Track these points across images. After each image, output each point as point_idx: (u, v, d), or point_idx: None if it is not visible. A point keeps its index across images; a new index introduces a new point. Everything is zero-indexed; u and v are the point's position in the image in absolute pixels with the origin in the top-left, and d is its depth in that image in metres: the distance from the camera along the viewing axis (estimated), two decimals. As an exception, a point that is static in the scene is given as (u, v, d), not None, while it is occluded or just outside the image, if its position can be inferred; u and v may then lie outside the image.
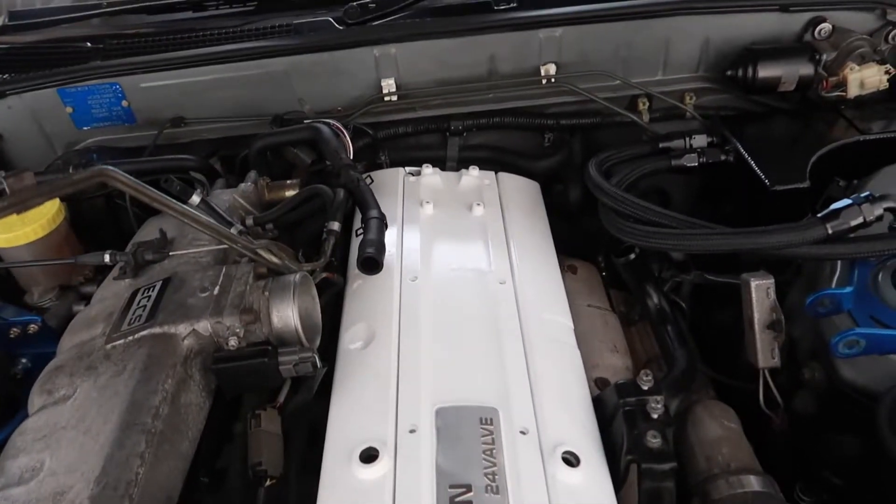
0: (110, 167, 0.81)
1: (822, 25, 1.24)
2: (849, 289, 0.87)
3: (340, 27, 1.31)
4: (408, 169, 1.30)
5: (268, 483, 0.82)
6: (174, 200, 0.87)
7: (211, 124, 1.36)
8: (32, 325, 1.06)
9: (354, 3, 1.31)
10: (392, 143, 1.38)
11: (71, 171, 1.23)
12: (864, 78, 1.20)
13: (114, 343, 0.89)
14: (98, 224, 1.30)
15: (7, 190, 0.76)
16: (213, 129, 1.36)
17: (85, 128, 1.37)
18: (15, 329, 1.06)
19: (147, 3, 1.44)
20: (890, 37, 1.25)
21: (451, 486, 0.77)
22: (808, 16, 1.25)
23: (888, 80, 1.20)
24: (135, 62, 1.31)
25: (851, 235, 0.89)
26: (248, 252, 0.91)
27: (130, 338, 0.88)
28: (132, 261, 0.99)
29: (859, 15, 1.26)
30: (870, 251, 0.88)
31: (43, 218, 1.12)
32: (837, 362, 0.88)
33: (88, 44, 1.39)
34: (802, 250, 0.91)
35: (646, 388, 0.87)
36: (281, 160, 1.29)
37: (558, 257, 1.21)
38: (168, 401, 0.82)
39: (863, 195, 0.89)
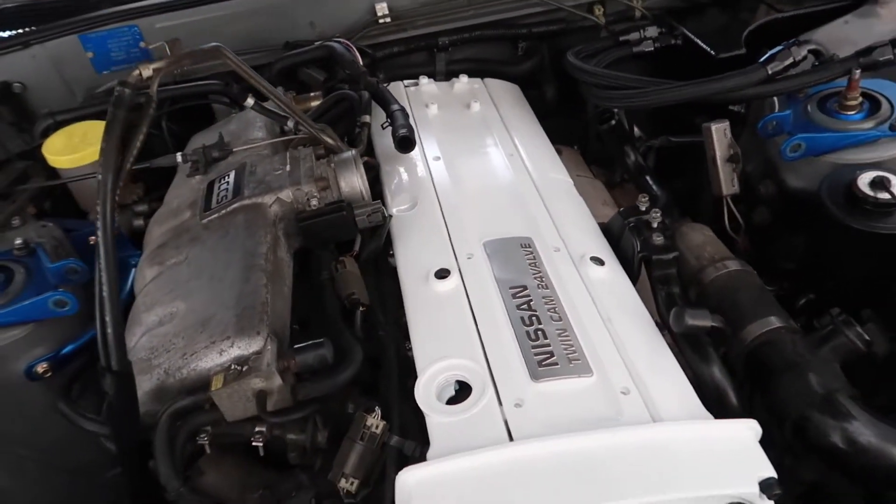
0: (223, 46, 0.97)
1: (739, -73, 1.51)
2: (788, 112, 1.13)
3: (335, -41, 1.48)
4: (406, 82, 1.49)
5: (361, 308, 1.01)
6: (270, 86, 1.04)
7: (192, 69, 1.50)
8: (108, 232, 1.20)
9: (344, -63, 1.48)
10: (387, 63, 1.57)
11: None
12: (777, -33, 1.47)
13: (209, 218, 1.06)
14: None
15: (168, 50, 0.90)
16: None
17: (104, 72, 1.49)
18: (92, 237, 1.20)
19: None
20: (793, -69, 1.52)
21: (511, 288, 0.98)
22: (727, -81, 1.52)
23: (796, -31, 1.48)
24: (152, 4, 1.44)
25: (786, 75, 1.15)
26: (315, 132, 1.09)
27: (224, 211, 1.05)
28: (202, 158, 1.14)
29: (767, -86, 1.52)
30: (801, 84, 1.14)
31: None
32: (785, 173, 1.14)
33: (97, -6, 1.51)
34: (750, 91, 1.16)
35: (643, 208, 1.11)
36: (296, 81, 1.45)
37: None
38: (272, 250, 0.99)
39: (790, 41, 1.14)
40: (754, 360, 0.98)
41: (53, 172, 1.27)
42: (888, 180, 0.99)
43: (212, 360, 0.87)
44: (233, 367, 0.85)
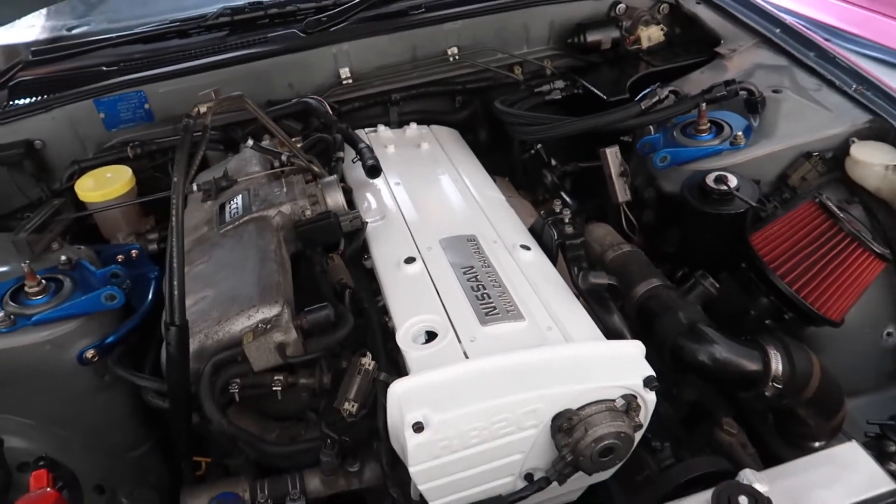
0: (244, 95, 1.29)
1: (620, 5, 1.95)
2: (658, 136, 1.53)
3: (304, 36, 1.84)
4: (367, 130, 1.83)
5: (348, 290, 1.31)
6: (278, 128, 1.37)
7: (215, 116, 1.82)
8: (133, 252, 1.48)
9: (311, 18, 1.85)
10: (350, 115, 1.91)
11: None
12: (650, 34, 1.92)
13: (225, 229, 1.36)
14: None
15: (213, 95, 1.21)
16: (217, 119, 1.82)
17: (113, 129, 1.78)
18: (120, 255, 1.47)
19: (143, 34, 1.88)
20: (660, 9, 1.98)
21: (461, 267, 1.31)
22: (610, 1, 1.96)
23: (663, 35, 1.93)
24: (155, 74, 1.75)
25: (656, 109, 1.55)
26: (305, 162, 1.41)
27: (237, 223, 1.35)
28: (214, 187, 1.45)
29: (639, -3, 1.99)
30: (665, 115, 1.54)
31: (124, 180, 1.54)
32: (660, 181, 1.53)
33: (104, 67, 1.82)
34: (630, 122, 1.56)
35: (558, 210, 1.46)
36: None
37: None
38: (278, 248, 1.30)
39: (656, 85, 1.55)
40: (643, 309, 1.32)
41: (82, 207, 1.55)
42: (726, 177, 1.39)
43: (241, 323, 1.15)
44: (259, 325, 1.14)
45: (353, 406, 1.12)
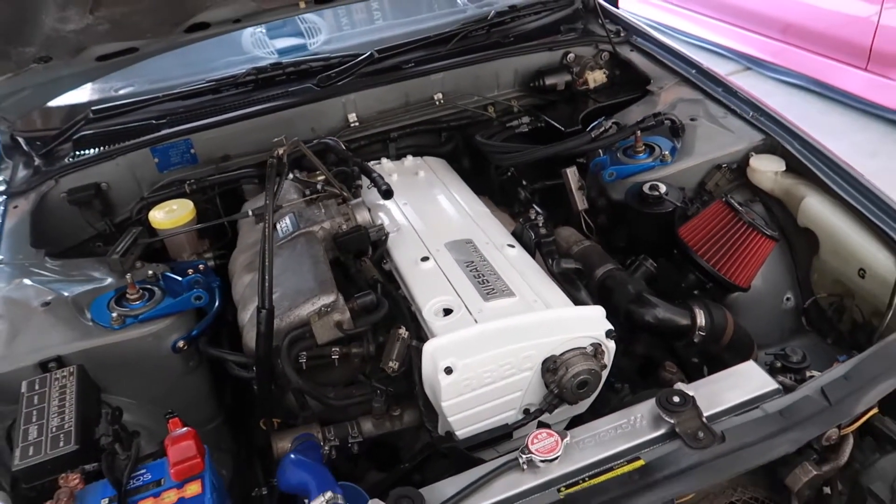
0: (299, 139, 1.70)
1: (570, 55, 2.43)
2: (606, 157, 1.99)
3: (318, 89, 2.27)
4: (372, 162, 2.25)
5: (379, 284, 1.71)
6: (322, 165, 1.78)
7: (247, 157, 2.22)
8: (201, 266, 1.85)
9: (323, 74, 2.28)
10: (357, 151, 2.33)
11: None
12: (595, 77, 2.40)
13: (280, 243, 1.75)
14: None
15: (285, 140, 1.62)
16: (249, 159, 2.22)
17: (164, 171, 2.17)
18: (190, 269, 1.84)
19: (183, 93, 2.28)
20: (601, 56, 2.46)
21: (465, 263, 1.72)
22: (562, 51, 2.44)
23: (606, 77, 2.41)
24: (197, 125, 2.15)
25: (602, 137, 2.01)
26: (338, 188, 1.82)
27: (290, 237, 1.75)
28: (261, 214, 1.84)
29: (586, 48, 2.47)
30: (610, 141, 2.00)
31: (188, 210, 1.92)
32: (610, 192, 1.98)
33: (153, 121, 2.21)
34: (583, 147, 2.01)
35: (533, 217, 1.89)
36: (301, 166, 2.18)
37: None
38: (325, 254, 1.70)
39: (602, 119, 2.02)
40: (602, 286, 1.76)
41: (153, 233, 1.92)
42: (658, 186, 1.85)
43: (307, 308, 1.54)
44: (321, 309, 1.54)
45: (395, 364, 1.51)
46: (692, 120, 2.07)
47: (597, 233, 2.08)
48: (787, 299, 1.94)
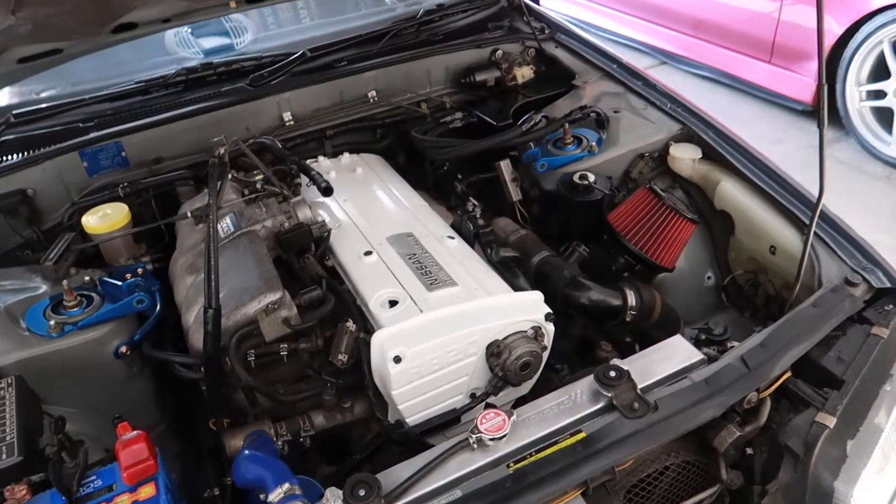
0: (240, 139, 1.70)
1: (498, 52, 2.51)
2: (537, 149, 2.07)
3: (252, 88, 2.26)
4: (309, 160, 2.27)
5: (324, 280, 1.74)
6: (263, 165, 1.78)
7: (180, 158, 2.19)
8: (140, 269, 1.83)
9: (255, 74, 2.28)
10: (293, 150, 2.33)
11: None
12: (523, 73, 2.49)
13: (222, 243, 1.75)
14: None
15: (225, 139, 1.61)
16: (183, 161, 2.20)
17: (94, 175, 2.12)
18: (128, 273, 1.82)
19: (111, 94, 2.23)
20: (528, 52, 2.55)
21: (407, 255, 1.77)
22: (490, 48, 2.52)
23: (533, 73, 2.50)
24: (132, 126, 2.11)
25: (533, 130, 2.09)
26: (278, 186, 1.84)
27: (232, 237, 1.75)
28: (204, 212, 1.83)
29: (513, 45, 2.55)
30: (540, 134, 2.09)
31: (122, 214, 1.89)
32: (542, 182, 2.07)
33: (80, 124, 2.15)
34: (514, 141, 2.09)
35: (470, 208, 1.95)
36: (237, 165, 2.17)
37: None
38: (268, 253, 1.71)
39: (532, 113, 2.10)
40: (538, 272, 1.84)
41: (87, 238, 1.88)
42: (587, 175, 1.95)
43: (254, 306, 1.55)
44: (268, 306, 1.55)
45: (344, 357, 1.55)
46: (616, 112, 2.18)
47: (531, 222, 2.17)
48: (709, 278, 2.08)
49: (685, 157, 2.04)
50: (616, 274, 1.89)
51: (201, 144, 2.20)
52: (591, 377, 1.42)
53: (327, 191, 1.91)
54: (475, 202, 2.10)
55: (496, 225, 2.04)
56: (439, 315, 1.54)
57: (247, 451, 1.35)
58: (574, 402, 1.40)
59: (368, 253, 1.77)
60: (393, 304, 1.62)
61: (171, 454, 1.80)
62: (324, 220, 1.83)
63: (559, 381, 1.76)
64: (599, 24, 5.74)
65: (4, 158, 2.08)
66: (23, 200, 2.01)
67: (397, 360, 1.45)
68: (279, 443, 1.52)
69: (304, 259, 1.79)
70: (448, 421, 1.57)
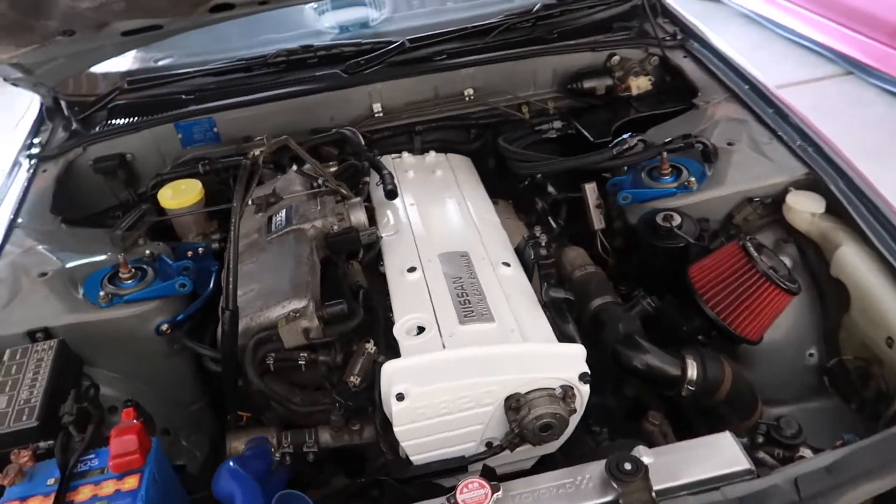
0: (289, 138, 1.67)
1: (614, 57, 2.27)
2: (626, 177, 1.84)
3: (345, 76, 2.22)
4: (393, 155, 2.19)
5: (362, 290, 1.68)
6: (315, 161, 1.74)
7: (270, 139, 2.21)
8: (200, 249, 1.87)
9: (352, 61, 2.23)
10: (380, 142, 2.28)
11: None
12: (639, 84, 2.23)
13: (271, 237, 1.73)
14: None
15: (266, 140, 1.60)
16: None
17: (187, 147, 2.20)
18: (190, 251, 1.87)
19: (214, 70, 2.29)
20: (650, 61, 2.28)
21: (452, 278, 1.65)
22: (606, 53, 2.28)
23: (651, 84, 2.23)
24: (221, 104, 2.16)
25: (625, 154, 1.86)
26: (335, 186, 1.78)
27: (280, 233, 1.73)
28: (264, 202, 1.83)
29: (634, 51, 2.29)
30: (632, 161, 1.85)
31: (195, 191, 1.94)
32: (626, 214, 1.84)
33: (183, 96, 2.23)
34: (603, 164, 1.88)
35: (538, 234, 1.78)
36: (318, 154, 2.15)
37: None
38: (311, 255, 1.67)
39: (628, 134, 1.87)
40: (595, 319, 1.65)
41: (163, 212, 1.96)
42: (672, 216, 1.70)
43: (277, 311, 1.52)
44: (290, 313, 1.51)
45: (356, 379, 1.48)
46: (729, 145, 1.88)
47: (613, 255, 1.96)
48: (811, 355, 1.76)
49: (803, 209, 1.72)
50: (688, 335, 1.65)
51: (290, 128, 2.19)
52: (604, 462, 1.24)
53: (391, 194, 1.84)
54: (553, 224, 1.93)
55: (565, 256, 1.85)
56: (459, 355, 1.42)
57: (230, 464, 1.33)
58: (577, 488, 1.23)
59: (412, 269, 1.67)
60: (421, 330, 1.52)
61: (203, 432, 1.86)
62: (374, 228, 1.75)
63: (594, 445, 1.58)
64: (779, 20, 5.10)
65: (114, 122, 2.21)
66: (121, 164, 2.13)
67: (400, 397, 1.36)
68: (277, 454, 1.49)
69: (349, 265, 1.73)
70: (455, 468, 1.46)
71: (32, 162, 2.10)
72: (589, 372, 1.42)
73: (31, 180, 2.04)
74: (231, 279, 1.42)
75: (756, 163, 1.83)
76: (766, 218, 1.80)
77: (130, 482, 1.31)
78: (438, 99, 2.27)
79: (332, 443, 1.55)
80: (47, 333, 1.61)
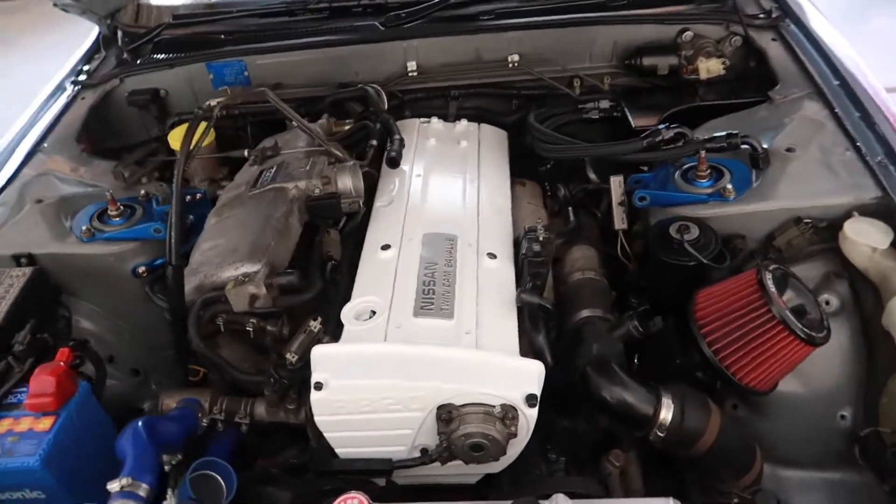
0: (269, 90, 1.57)
1: (686, 33, 1.95)
2: (650, 175, 1.58)
3: (383, 29, 2.07)
4: (422, 119, 2.03)
5: (331, 262, 1.57)
6: (298, 116, 1.63)
7: (298, 88, 2.13)
8: (199, 194, 1.84)
9: (391, 14, 2.07)
10: (414, 104, 2.12)
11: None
12: (709, 67, 1.91)
13: (253, 192, 1.65)
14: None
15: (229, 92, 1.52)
16: (299, 92, 2.13)
17: (219, 88, 2.15)
18: (189, 196, 1.84)
19: (258, 10, 2.22)
20: (731, 41, 1.94)
21: (426, 263, 1.50)
22: (678, 27, 1.96)
23: (723, 69, 1.90)
24: (253, 48, 2.09)
25: (657, 147, 1.59)
26: (325, 145, 1.67)
27: (262, 189, 1.64)
28: (260, 154, 1.75)
29: (712, 27, 1.96)
30: (665, 156, 1.58)
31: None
32: (646, 217, 1.59)
33: (223, 36, 2.19)
34: (632, 157, 1.62)
35: (539, 227, 1.58)
36: (342, 110, 2.04)
37: (516, 177, 1.94)
38: (283, 217, 1.57)
39: (662, 125, 1.60)
40: (576, 333, 1.44)
41: (172, 152, 1.94)
42: (687, 227, 1.43)
43: (230, 272, 1.45)
44: (240, 277, 1.43)
45: (294, 357, 1.38)
46: (788, 151, 1.56)
47: (634, 260, 1.71)
48: (843, 417, 1.45)
49: (863, 241, 1.39)
50: (682, 369, 1.40)
51: (320, 78, 2.11)
52: (513, 504, 1.07)
53: (392, 161, 1.71)
54: (572, 217, 1.72)
55: (570, 255, 1.64)
56: (395, 351, 1.28)
57: (139, 424, 1.28)
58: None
59: (387, 247, 1.53)
60: (374, 315, 1.39)
61: (176, 381, 1.85)
62: (359, 197, 1.62)
63: (545, 473, 1.40)
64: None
65: (157, 56, 2.21)
66: (154, 99, 2.13)
67: (318, 387, 1.25)
68: (205, 420, 1.43)
69: (326, 233, 1.62)
70: (380, 469, 1.34)
71: (75, 88, 2.15)
72: (537, 395, 1.24)
73: (67, 106, 2.09)
74: (173, 233, 1.36)
75: (817, 176, 1.50)
76: (817, 244, 1.48)
77: (44, 423, 1.30)
78: (479, 63, 2.07)
79: (267, 417, 1.47)
80: (31, 260, 1.64)
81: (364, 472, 1.33)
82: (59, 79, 2.21)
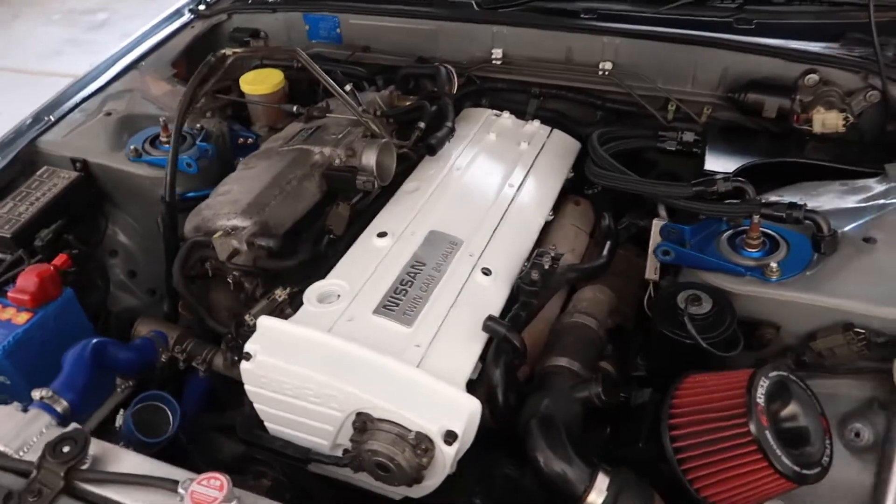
0: (300, 50, 1.54)
1: (811, 76, 1.64)
2: (689, 227, 1.35)
3: (476, 9, 1.96)
4: (495, 112, 1.91)
5: (329, 236, 1.52)
6: (331, 80, 1.59)
7: (383, 55, 2.08)
8: (249, 139, 1.87)
9: (493, -5, 1.95)
10: (493, 94, 2.00)
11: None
12: (826, 120, 1.60)
13: (281, 149, 1.65)
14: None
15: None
16: (383, 59, 2.08)
17: (312, 40, 2.17)
18: (241, 139, 1.87)
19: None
20: (866, 95, 1.61)
21: (415, 261, 1.40)
22: (805, 66, 1.65)
23: (843, 125, 1.58)
24: (348, 5, 2.07)
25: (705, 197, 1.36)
26: (359, 116, 1.61)
27: (290, 147, 1.63)
28: (307, 114, 1.74)
29: (847, 74, 1.63)
30: (712, 210, 1.35)
31: (273, 83, 1.91)
32: (676, 274, 1.37)
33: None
34: (676, 202, 1.40)
35: (552, 254, 1.42)
36: (417, 85, 1.96)
37: (572, 194, 1.77)
38: (297, 179, 1.55)
39: (720, 175, 1.36)
40: (541, 379, 1.29)
41: (242, 94, 1.98)
42: (698, 298, 1.21)
43: (222, 221, 1.45)
44: (228, 229, 1.43)
45: (251, 320, 1.36)
46: (865, 241, 1.26)
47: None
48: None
49: (917, 375, 1.10)
50: (644, 457, 1.20)
51: (405, 48, 2.05)
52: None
53: (430, 148, 1.64)
54: (605, 253, 1.55)
55: (580, 293, 1.46)
56: (328, 343, 1.22)
57: (93, 342, 1.32)
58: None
59: (383, 234, 1.46)
60: (338, 299, 1.33)
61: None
62: (375, 177, 1.54)
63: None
64: None
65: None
66: (254, 39, 2.18)
67: (247, 356, 1.22)
68: (164, 356, 1.46)
69: (336, 206, 1.58)
70: (296, 458, 1.29)
71: (189, 16, 2.26)
72: (458, 433, 1.12)
73: (176, 32, 2.20)
74: (169, 171, 1.37)
75: (891, 280, 1.21)
76: (866, 361, 1.19)
77: (22, 317, 1.39)
78: (569, 64, 1.89)
79: (224, 371, 1.47)
80: (84, 165, 1.75)
81: (277, 454, 1.30)
82: (181, 3, 2.32)
